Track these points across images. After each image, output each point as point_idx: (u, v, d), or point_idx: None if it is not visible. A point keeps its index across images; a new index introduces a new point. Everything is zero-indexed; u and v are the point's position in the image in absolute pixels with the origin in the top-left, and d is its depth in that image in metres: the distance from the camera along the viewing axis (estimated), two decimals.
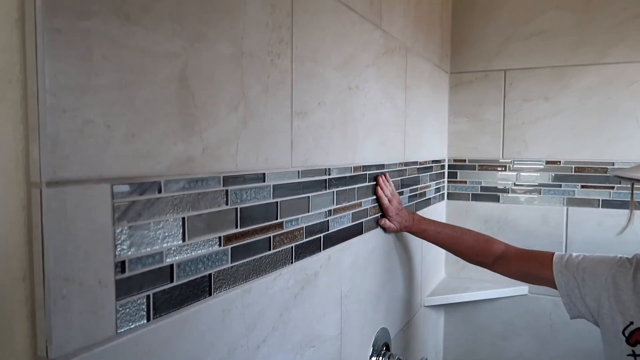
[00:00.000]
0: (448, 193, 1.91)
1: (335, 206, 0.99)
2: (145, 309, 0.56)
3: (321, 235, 0.95)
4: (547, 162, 1.75)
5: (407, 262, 1.47)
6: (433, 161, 1.71)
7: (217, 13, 0.65)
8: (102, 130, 0.50)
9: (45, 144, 0.45)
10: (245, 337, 0.73)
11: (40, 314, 0.46)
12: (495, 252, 1.22)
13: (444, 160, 1.86)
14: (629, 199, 1.49)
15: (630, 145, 1.62)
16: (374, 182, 1.18)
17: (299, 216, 0.87)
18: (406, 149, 1.41)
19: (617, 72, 1.63)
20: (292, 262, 0.85)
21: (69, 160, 0.47)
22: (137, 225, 0.54)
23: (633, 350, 0.96)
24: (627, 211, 1.59)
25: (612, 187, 1.66)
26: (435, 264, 1.80)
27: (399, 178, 1.35)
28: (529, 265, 1.17)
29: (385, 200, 1.20)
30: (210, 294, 0.66)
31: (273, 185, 0.79)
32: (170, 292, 0.60)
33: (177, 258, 0.60)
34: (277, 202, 0.80)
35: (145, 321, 0.56)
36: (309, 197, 0.89)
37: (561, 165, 1.73)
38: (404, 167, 1.40)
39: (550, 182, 1.75)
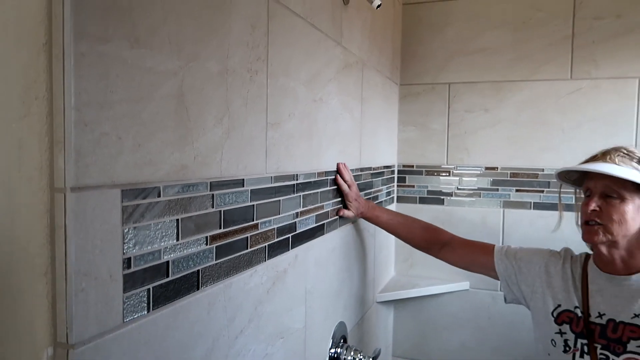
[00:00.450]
0: (398, 196, 2.04)
1: (302, 209, 1.08)
2: (146, 301, 0.62)
3: (290, 235, 1.03)
4: (486, 168, 1.92)
5: (362, 261, 1.58)
6: (385, 167, 1.83)
7: (208, 34, 0.72)
8: (114, 141, 0.56)
9: (70, 154, 0.51)
10: (227, 328, 0.81)
11: (61, 305, 0.52)
12: (442, 240, 1.36)
13: (394, 166, 2.00)
14: (571, 202, 1.69)
15: (558, 153, 1.81)
16: (335, 186, 1.28)
17: (272, 218, 0.95)
18: (362, 156, 1.52)
19: (547, 88, 1.81)
20: (265, 260, 0.93)
21: (89, 169, 0.53)
22: (141, 226, 0.61)
23: (560, 329, 1.11)
24: (554, 212, 1.79)
25: (542, 191, 1.85)
26: (386, 263, 1.93)
27: (356, 182, 1.45)
28: (472, 254, 1.31)
29: (345, 187, 1.30)
30: (198, 288, 0.73)
31: (251, 190, 0.86)
32: (166, 286, 0.66)
33: (172, 256, 0.67)
34: (254, 205, 0.88)
35: (146, 312, 0.62)
36: (280, 200, 0.98)
37: (498, 171, 1.90)
38: (360, 173, 1.51)
39: (489, 187, 1.92)
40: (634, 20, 1.70)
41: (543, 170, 1.84)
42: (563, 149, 1.80)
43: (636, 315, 1.03)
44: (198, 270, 0.73)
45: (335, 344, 1.32)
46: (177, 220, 0.68)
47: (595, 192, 1.06)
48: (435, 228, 1.40)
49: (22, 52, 0.49)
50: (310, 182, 1.12)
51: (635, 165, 1.03)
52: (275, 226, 0.97)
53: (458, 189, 1.97)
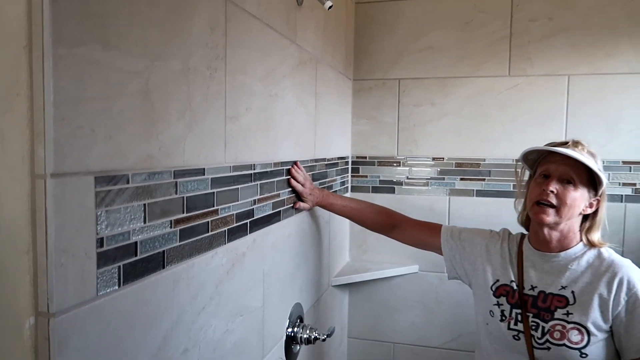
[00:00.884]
0: (352, 186, 2.15)
1: (259, 196, 1.16)
2: (117, 277, 0.70)
3: (248, 221, 1.11)
4: (434, 159, 2.06)
5: (317, 247, 1.68)
6: (339, 158, 1.93)
7: (171, 36, 0.79)
8: (88, 133, 0.63)
9: (49, 145, 0.57)
10: (190, 305, 0.88)
11: (42, 279, 0.59)
12: (393, 222, 1.48)
13: (348, 157, 2.10)
14: (502, 189, 1.83)
15: (497, 144, 1.97)
16: (289, 176, 1.36)
17: (231, 204, 1.03)
18: (316, 148, 1.61)
19: (488, 84, 1.96)
20: (225, 243, 1.01)
21: (66, 158, 0.59)
22: (112, 209, 0.68)
23: (497, 301, 1.24)
24: (495, 199, 1.94)
25: (484, 179, 2.00)
26: (340, 249, 2.04)
27: (310, 173, 1.55)
28: (422, 234, 1.43)
29: (299, 187, 1.39)
30: (164, 267, 0.80)
31: (211, 178, 0.94)
32: (135, 264, 0.73)
33: (140, 237, 0.74)
34: (214, 192, 0.95)
35: (117, 287, 0.70)
36: (238, 188, 1.06)
37: (445, 161, 2.04)
38: (315, 163, 1.60)
39: (436, 176, 2.06)
40: (564, 23, 1.86)
41: (485, 160, 1.99)
42: (502, 141, 1.96)
43: (563, 287, 1.16)
44: (163, 251, 0.80)
45: (292, 324, 1.42)
46: (145, 204, 0.75)
47: (555, 175, 1.15)
48: (387, 211, 1.51)
49: (4, 54, 0.55)
50: (267, 171, 1.20)
51: (594, 162, 1.14)
52: (235, 212, 1.05)
53: (408, 178, 2.09)
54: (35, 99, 0.57)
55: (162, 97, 0.77)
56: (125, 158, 0.70)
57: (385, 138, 2.10)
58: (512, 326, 1.20)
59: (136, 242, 0.73)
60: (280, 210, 1.30)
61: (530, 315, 1.18)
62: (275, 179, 1.26)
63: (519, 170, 1.32)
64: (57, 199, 0.59)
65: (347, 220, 1.88)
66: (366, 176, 2.14)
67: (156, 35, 0.75)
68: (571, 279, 1.17)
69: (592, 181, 1.15)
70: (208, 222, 0.94)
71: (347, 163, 2.09)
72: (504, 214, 1.86)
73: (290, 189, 1.37)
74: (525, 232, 1.32)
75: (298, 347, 1.45)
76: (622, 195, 1.85)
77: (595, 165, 1.13)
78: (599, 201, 1.18)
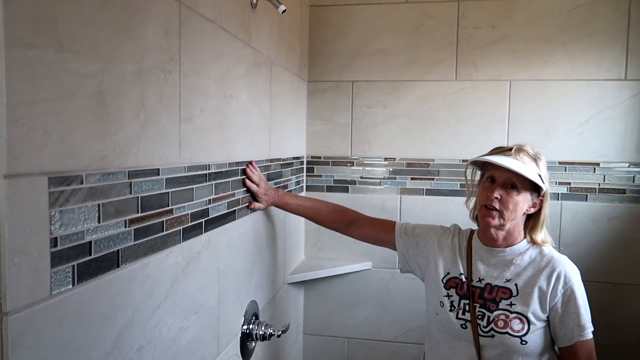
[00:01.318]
0: (307, 185, 2.19)
1: (214, 196, 1.18)
2: (71, 277, 0.71)
3: (203, 220, 1.13)
4: (386, 159, 2.13)
5: (273, 245, 1.71)
6: (294, 158, 1.97)
7: (123, 39, 0.80)
8: (42, 134, 0.64)
9: (2, 146, 0.58)
10: (145, 302, 0.90)
11: None
12: (348, 219, 1.53)
13: (303, 157, 2.14)
14: (450, 188, 1.91)
15: (445, 145, 2.06)
16: (245, 175, 1.39)
17: (186, 204, 1.05)
18: (271, 148, 1.64)
19: (436, 88, 2.05)
20: (180, 242, 1.03)
21: (19, 159, 0.60)
22: (66, 209, 0.69)
23: (447, 292, 1.32)
24: (444, 197, 2.03)
25: (433, 179, 2.09)
26: (295, 247, 2.07)
27: (265, 172, 1.58)
28: (377, 231, 1.49)
29: (254, 187, 1.42)
30: (118, 266, 0.82)
31: (166, 179, 0.96)
32: (89, 263, 0.74)
33: (94, 236, 0.75)
34: (168, 192, 0.97)
35: (71, 286, 0.71)
36: (193, 188, 1.07)
37: (396, 161, 2.12)
38: (270, 163, 1.63)
39: (388, 176, 2.13)
40: (505, 31, 1.97)
41: (434, 160, 2.08)
42: (449, 142, 2.05)
43: (507, 280, 1.25)
44: (118, 250, 0.81)
45: (247, 321, 1.44)
46: (99, 204, 0.76)
47: (499, 181, 1.23)
48: (342, 209, 1.56)
49: None
50: (221, 171, 1.22)
51: (535, 166, 1.23)
52: (189, 211, 1.06)
53: (361, 177, 2.15)
54: None
55: (116, 98, 0.79)
56: (79, 159, 0.71)
57: (339, 138, 2.15)
58: (460, 316, 1.27)
59: (90, 242, 0.74)
60: (235, 210, 1.33)
61: (477, 305, 1.26)
62: (230, 179, 1.29)
63: (469, 172, 1.39)
64: (10, 199, 0.59)
65: (303, 219, 1.92)
66: (321, 176, 2.18)
67: (110, 38, 0.77)
68: (515, 273, 1.26)
69: (535, 184, 1.22)
70: (163, 221, 0.95)
71: (302, 163, 2.13)
72: (453, 212, 1.96)
73: (245, 189, 1.39)
74: (475, 227, 1.40)
75: (253, 344, 1.48)
76: (558, 193, 1.98)
77: (535, 172, 1.22)
78: (542, 201, 1.27)
